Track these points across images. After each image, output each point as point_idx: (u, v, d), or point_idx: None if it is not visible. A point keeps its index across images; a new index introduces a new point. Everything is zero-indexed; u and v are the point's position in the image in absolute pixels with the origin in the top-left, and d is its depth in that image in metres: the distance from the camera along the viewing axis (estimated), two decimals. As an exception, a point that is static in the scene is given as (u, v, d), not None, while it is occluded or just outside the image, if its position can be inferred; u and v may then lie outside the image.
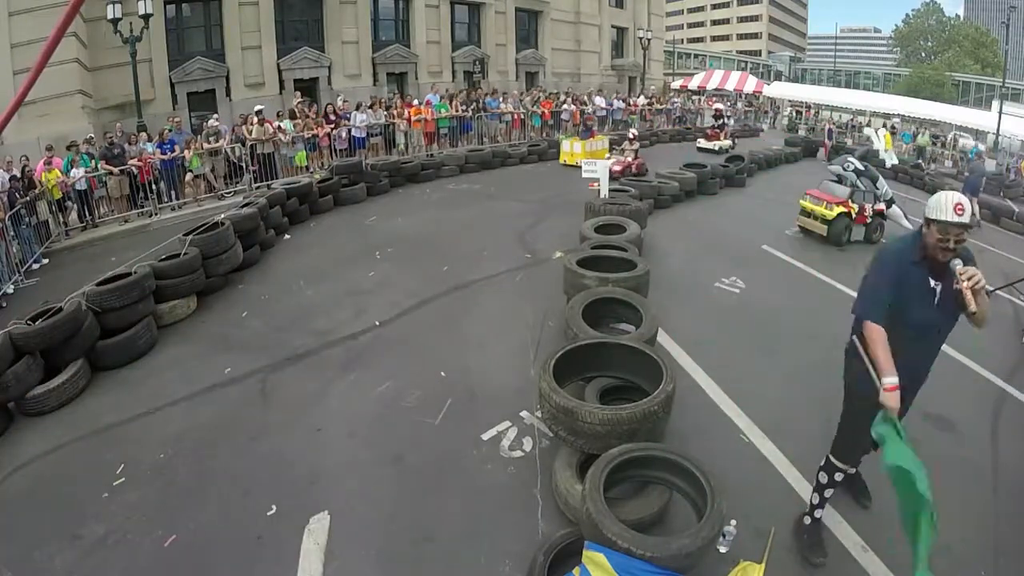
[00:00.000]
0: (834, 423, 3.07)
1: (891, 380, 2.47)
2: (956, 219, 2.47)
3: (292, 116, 12.33)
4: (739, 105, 26.80)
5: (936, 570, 3.06)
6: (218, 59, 15.39)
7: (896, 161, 17.76)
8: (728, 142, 17.74)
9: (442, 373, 4.86)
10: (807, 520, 3.15)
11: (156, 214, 10.01)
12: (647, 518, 3.01)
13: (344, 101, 13.69)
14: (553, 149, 15.14)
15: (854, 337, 2.84)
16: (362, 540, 3.22)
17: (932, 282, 2.62)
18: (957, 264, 2.53)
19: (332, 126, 12.54)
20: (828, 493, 3.07)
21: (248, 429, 4.22)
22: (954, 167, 20.15)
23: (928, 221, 2.54)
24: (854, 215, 8.93)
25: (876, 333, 2.56)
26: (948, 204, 2.48)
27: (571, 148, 14.11)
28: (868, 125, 23.43)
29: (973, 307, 2.45)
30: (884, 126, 20.80)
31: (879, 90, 42.96)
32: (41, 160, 9.06)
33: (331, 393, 4.64)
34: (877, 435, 2.49)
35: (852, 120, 25.51)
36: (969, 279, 2.46)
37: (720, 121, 18.72)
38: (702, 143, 17.81)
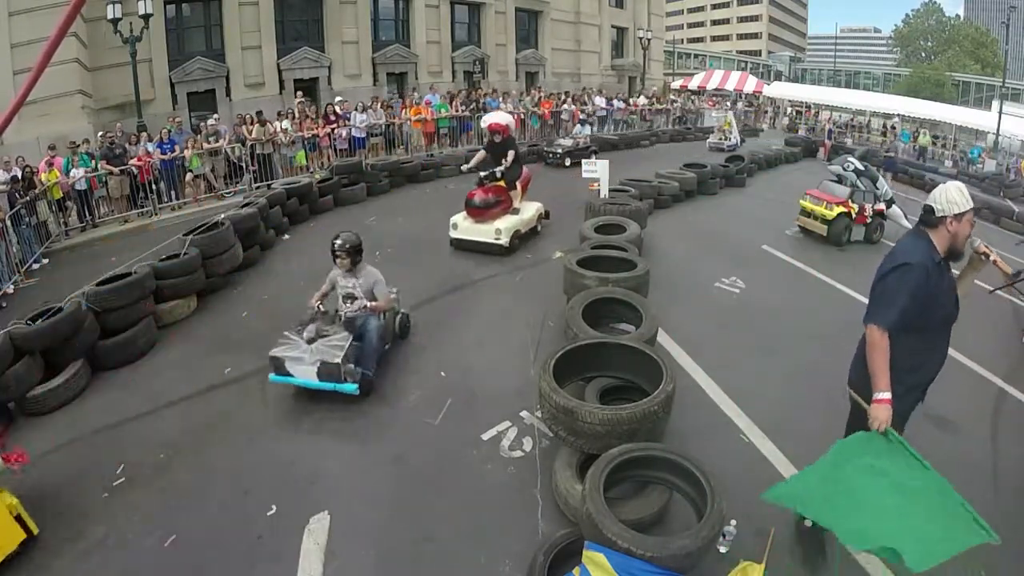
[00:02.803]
0: (835, 422, 3.07)
1: (886, 394, 2.49)
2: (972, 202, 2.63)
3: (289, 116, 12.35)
4: (739, 105, 26.78)
5: (936, 569, 3.05)
6: (218, 59, 15.39)
7: (739, 141, 17.61)
8: (533, 214, 8.10)
9: (442, 373, 4.86)
10: (808, 523, 3.15)
11: (156, 214, 10.00)
12: (647, 518, 3.01)
13: (344, 101, 13.72)
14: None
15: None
16: (362, 540, 3.22)
17: (949, 277, 2.68)
18: (977, 242, 2.71)
19: (332, 126, 12.55)
20: None
21: (248, 429, 4.22)
22: (954, 167, 20.19)
23: (958, 216, 2.57)
24: (854, 215, 8.93)
25: (883, 341, 2.55)
26: (965, 193, 2.61)
27: None
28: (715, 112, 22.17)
29: (1008, 269, 2.69)
30: (726, 111, 21.02)
31: (879, 90, 42.95)
32: (43, 160, 9.06)
33: (331, 393, 4.63)
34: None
35: (852, 120, 25.54)
36: (988, 248, 2.71)
37: (501, 167, 7.77)
38: (458, 226, 7.68)
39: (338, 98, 14.01)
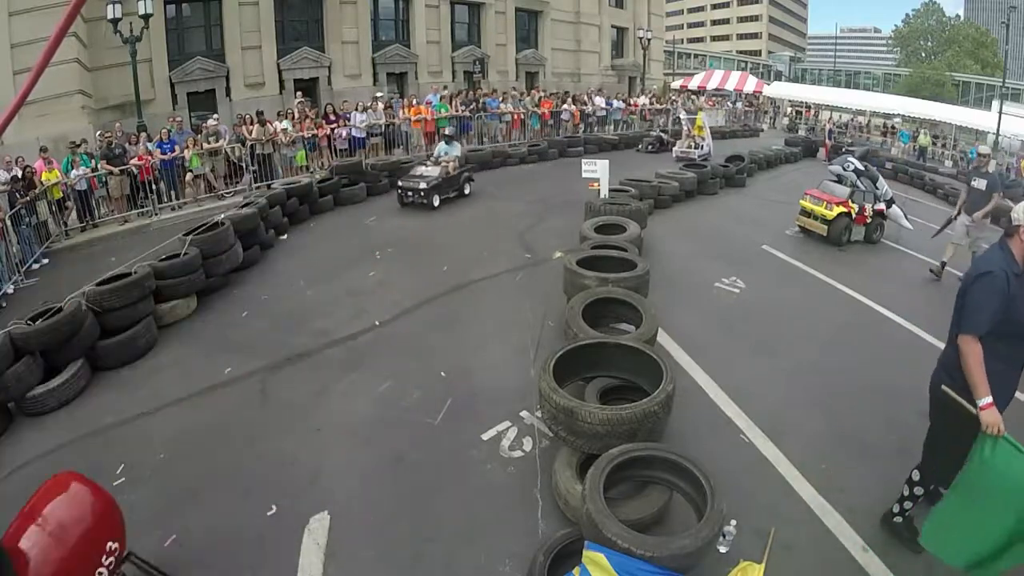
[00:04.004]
0: (834, 422, 3.07)
1: (988, 399, 2.55)
2: None
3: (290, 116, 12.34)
4: (739, 105, 26.78)
5: (934, 568, 3.06)
6: (218, 59, 15.40)
7: (712, 149, 15.04)
8: None
9: (442, 373, 4.87)
10: (898, 520, 3.19)
11: (156, 214, 10.00)
12: (647, 518, 3.01)
13: (391, 96, 13.79)
14: (553, 149, 15.03)
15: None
16: (362, 540, 3.22)
17: None
18: None
19: (332, 126, 12.55)
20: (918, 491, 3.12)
21: (248, 429, 4.22)
22: (954, 167, 20.19)
23: None
24: (854, 215, 8.93)
25: (977, 348, 2.63)
26: None
27: None
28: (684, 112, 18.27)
29: None
30: (697, 112, 17.56)
31: (879, 90, 42.97)
32: (39, 160, 9.05)
33: (331, 393, 4.64)
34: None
35: (852, 119, 25.54)
36: None
37: None
38: None
39: (378, 93, 14.02)
